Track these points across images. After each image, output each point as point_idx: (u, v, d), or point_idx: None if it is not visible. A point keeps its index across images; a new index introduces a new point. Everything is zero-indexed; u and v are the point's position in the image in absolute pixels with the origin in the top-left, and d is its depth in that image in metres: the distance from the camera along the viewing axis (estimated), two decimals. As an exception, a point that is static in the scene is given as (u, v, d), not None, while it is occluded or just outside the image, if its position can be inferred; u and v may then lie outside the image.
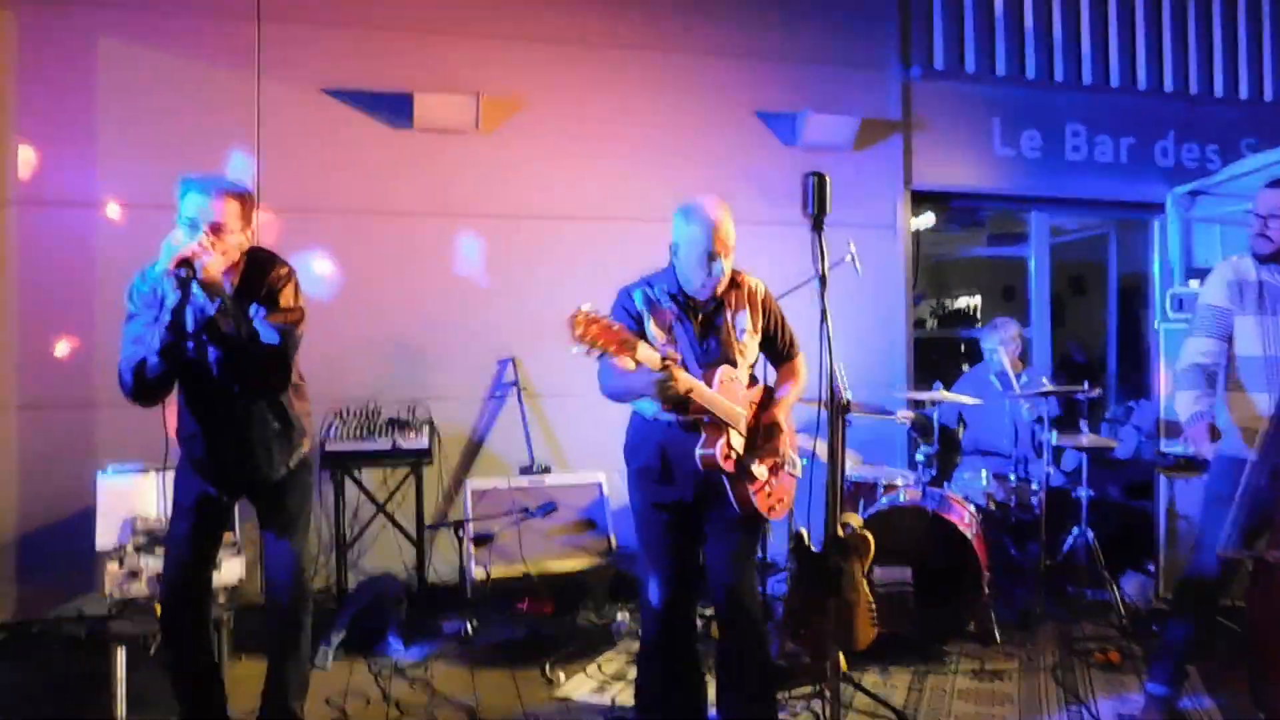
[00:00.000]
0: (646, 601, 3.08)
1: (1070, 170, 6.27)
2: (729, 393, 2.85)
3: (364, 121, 5.09)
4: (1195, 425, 3.11)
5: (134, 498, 4.17)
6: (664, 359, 2.65)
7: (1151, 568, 4.86)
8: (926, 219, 6.46)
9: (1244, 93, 6.67)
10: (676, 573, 3.00)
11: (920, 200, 6.17)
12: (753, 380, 3.06)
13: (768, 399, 3.03)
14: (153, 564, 3.81)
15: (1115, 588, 4.49)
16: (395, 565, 4.91)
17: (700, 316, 2.95)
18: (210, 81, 4.83)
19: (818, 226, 2.38)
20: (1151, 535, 4.90)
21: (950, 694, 3.65)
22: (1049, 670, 3.87)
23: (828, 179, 2.39)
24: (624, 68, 5.50)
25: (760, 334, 3.03)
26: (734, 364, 2.93)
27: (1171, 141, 6.44)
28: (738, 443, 2.85)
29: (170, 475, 4.12)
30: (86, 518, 4.14)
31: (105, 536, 4.03)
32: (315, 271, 4.93)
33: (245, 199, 2.82)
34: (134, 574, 3.76)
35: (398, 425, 4.68)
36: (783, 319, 3.13)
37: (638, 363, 2.57)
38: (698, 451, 2.81)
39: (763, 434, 2.94)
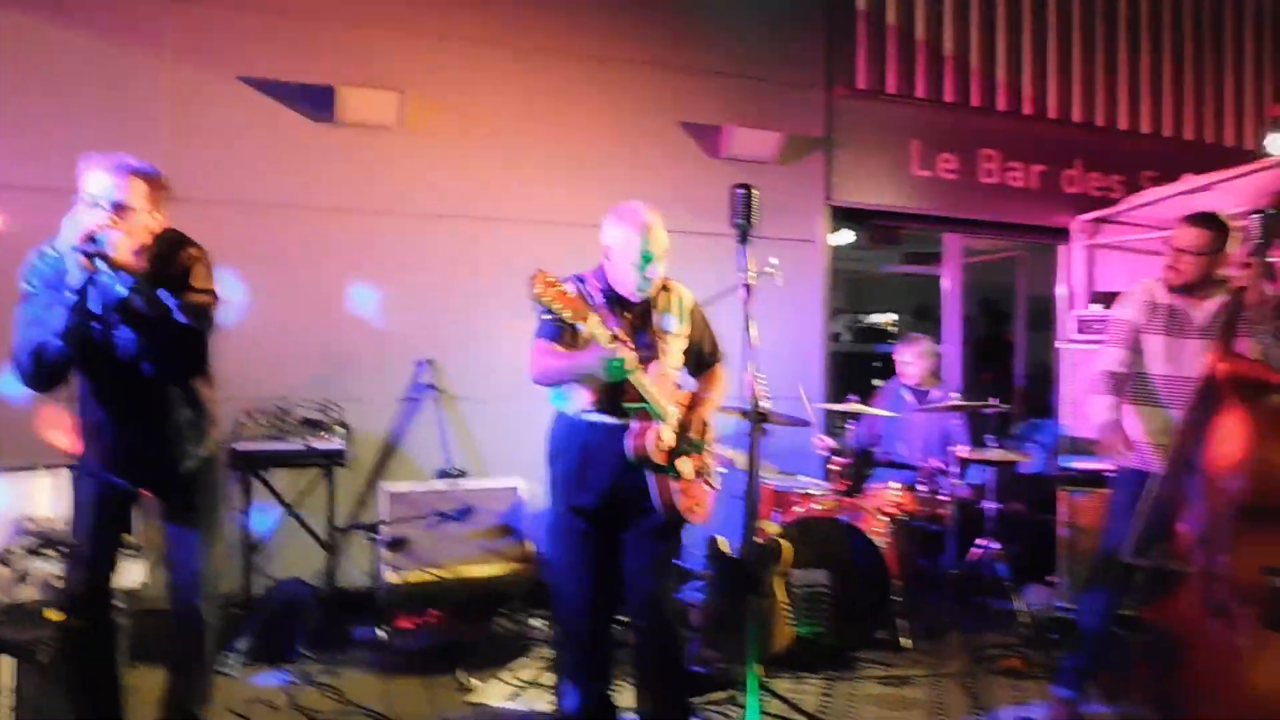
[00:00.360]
0: (563, 606, 3.07)
1: (984, 193, 6.47)
2: (663, 387, 2.88)
3: (282, 113, 4.94)
4: (1109, 431, 3.25)
5: (24, 499, 3.97)
6: (613, 334, 2.68)
7: (1053, 579, 5.03)
8: (845, 235, 6.59)
9: (1145, 127, 7.00)
10: (594, 577, 3.00)
11: (840, 216, 6.29)
12: (677, 386, 3.08)
13: (695, 401, 3.07)
14: (44, 568, 3.64)
15: (1019, 598, 4.63)
16: (304, 570, 4.77)
17: (628, 316, 2.96)
18: (115, 60, 4.63)
19: (744, 238, 2.41)
20: (1052, 550, 5.08)
21: (860, 699, 3.72)
22: (955, 677, 3.97)
23: (755, 191, 2.42)
24: (551, 73, 5.48)
25: (686, 340, 3.07)
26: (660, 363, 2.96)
27: (1079, 170, 6.71)
28: (668, 436, 2.87)
29: (64, 474, 4.01)
30: (-30, 519, 3.91)
31: (-8, 539, 3.83)
32: (225, 265, 4.76)
33: (154, 180, 2.71)
34: (23, 577, 3.58)
35: (310, 426, 4.56)
36: (708, 327, 3.19)
37: (586, 339, 2.59)
38: (630, 441, 2.82)
39: (695, 431, 2.97)
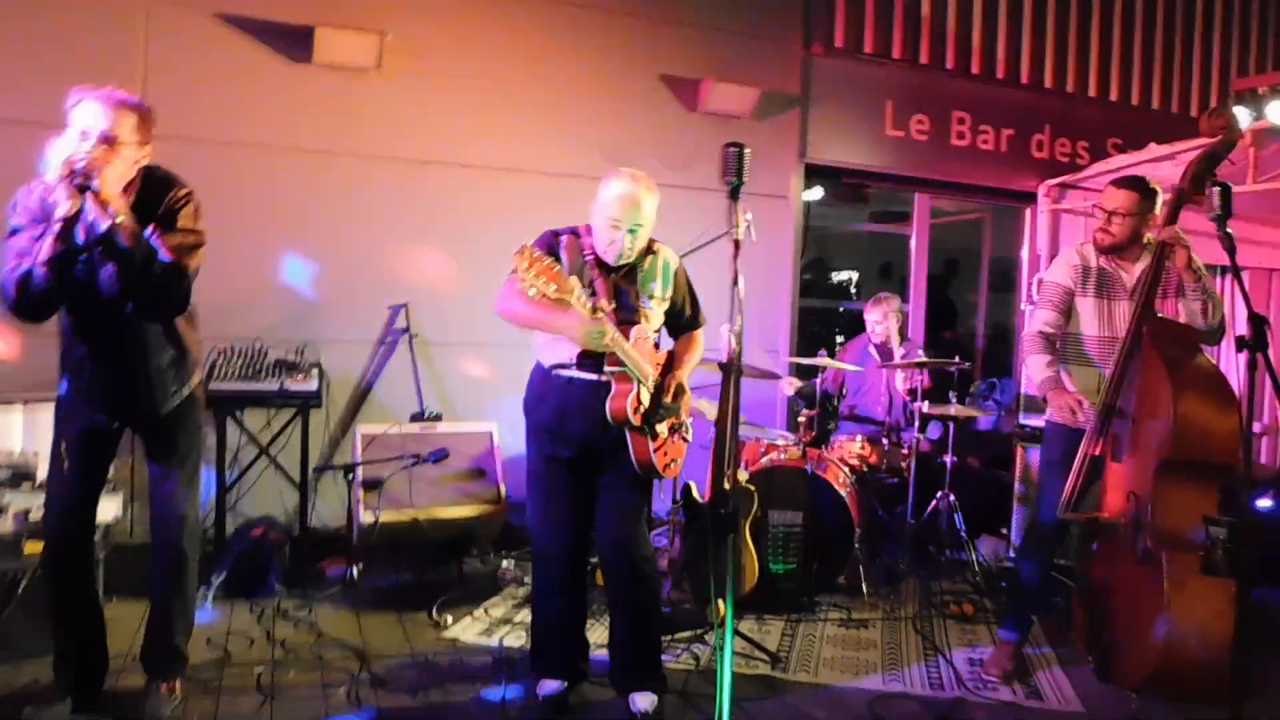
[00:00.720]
0: (539, 550, 3.17)
1: (954, 155, 6.57)
2: (641, 351, 2.96)
3: (260, 52, 4.90)
4: (1052, 386, 3.38)
5: (-3, 431, 3.98)
6: (595, 308, 2.75)
7: (1005, 531, 5.24)
8: (814, 192, 6.67)
9: (1113, 95, 7.12)
10: (570, 524, 3.09)
11: (813, 174, 6.37)
12: (655, 346, 3.16)
13: (672, 363, 3.14)
14: (18, 500, 3.66)
15: (972, 548, 4.82)
16: (276, 510, 4.83)
17: (611, 277, 3.02)
18: (92, -4, 4.56)
19: (734, 195, 2.48)
20: (1005, 503, 5.28)
21: (820, 640, 3.87)
22: (910, 620, 4.15)
23: (748, 150, 2.49)
24: (533, 20, 5.45)
25: (668, 303, 3.14)
26: (639, 326, 3.03)
27: (1047, 135, 6.82)
28: (646, 398, 2.95)
29: (37, 408, 4.02)
30: (-58, 452, 3.92)
31: (-36, 472, 3.84)
32: (201, 204, 4.73)
33: (143, 113, 2.69)
34: (-1, 510, 3.61)
35: (285, 367, 4.57)
36: (690, 291, 3.25)
37: (565, 303, 2.65)
38: (609, 404, 2.90)
39: (671, 394, 3.04)
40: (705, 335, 3.30)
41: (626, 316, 3.00)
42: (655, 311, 3.11)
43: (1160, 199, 3.41)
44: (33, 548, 3.45)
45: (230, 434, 4.60)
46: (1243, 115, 4.96)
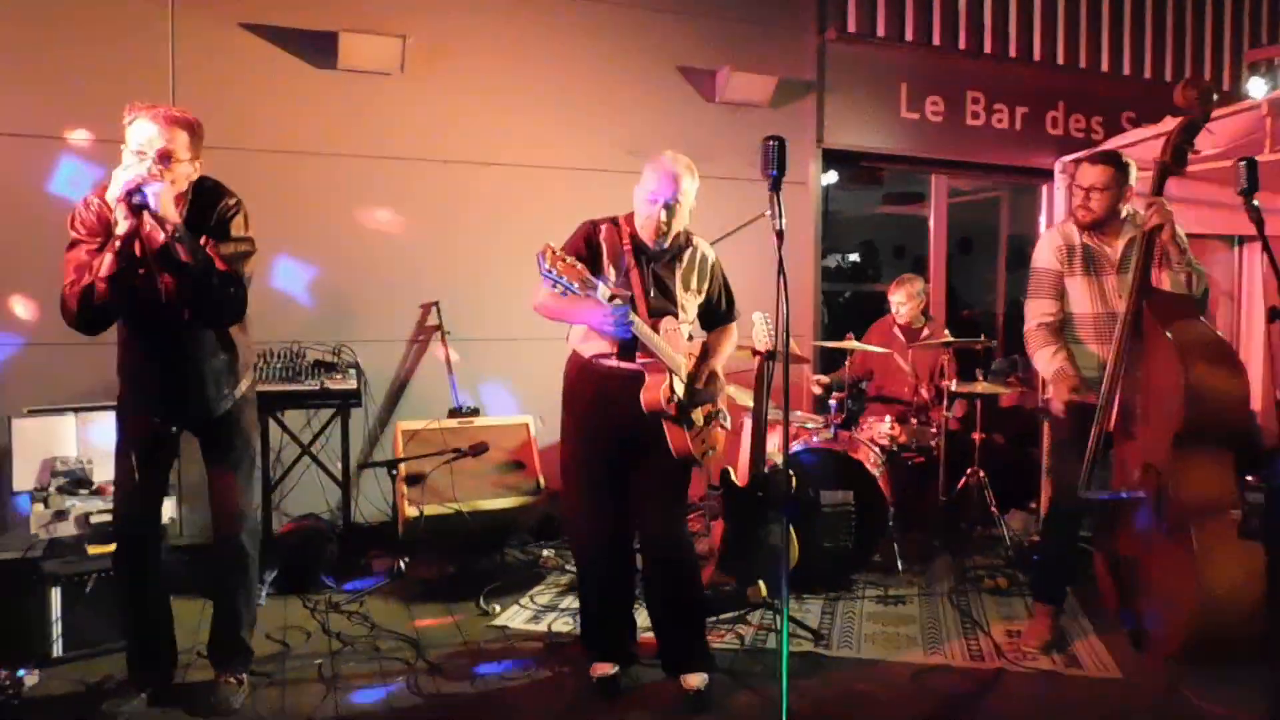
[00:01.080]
0: (582, 540, 3.26)
1: (970, 135, 6.62)
2: (672, 342, 3.03)
3: (285, 59, 5.00)
4: (1061, 378, 3.43)
5: (51, 440, 4.10)
6: (613, 295, 2.82)
7: (1033, 505, 5.31)
8: (830, 176, 6.73)
9: (1126, 69, 7.14)
10: (612, 512, 3.16)
11: (830, 159, 6.43)
12: (690, 337, 3.23)
13: (705, 353, 3.21)
14: (79, 505, 3.78)
15: (1002, 523, 4.90)
16: (319, 507, 4.94)
17: (651, 266, 3.09)
18: (121, 7, 4.66)
19: (776, 186, 2.55)
20: (1033, 478, 5.35)
21: (859, 616, 3.96)
22: (946, 595, 4.24)
23: (787, 143, 2.57)
24: (549, 17, 5.53)
25: (703, 296, 3.21)
26: (675, 317, 3.11)
27: (1061, 112, 6.86)
28: (679, 388, 3.03)
29: (88, 416, 4.14)
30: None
31: (22, 480, 3.96)
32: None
33: (195, 128, 2.79)
34: (61, 514, 3.72)
35: (324, 367, 4.68)
36: (725, 285, 3.32)
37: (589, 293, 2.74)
38: (642, 394, 2.98)
39: (704, 383, 3.12)
40: (739, 333, 3.37)
41: (662, 306, 3.07)
42: (690, 304, 3.18)
43: (1134, 172, 3.46)
44: (96, 550, 3.58)
45: (273, 434, 4.71)
46: (1257, 86, 4.99)
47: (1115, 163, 3.45)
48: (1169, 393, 3.13)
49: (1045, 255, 3.59)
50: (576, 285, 2.68)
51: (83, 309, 2.70)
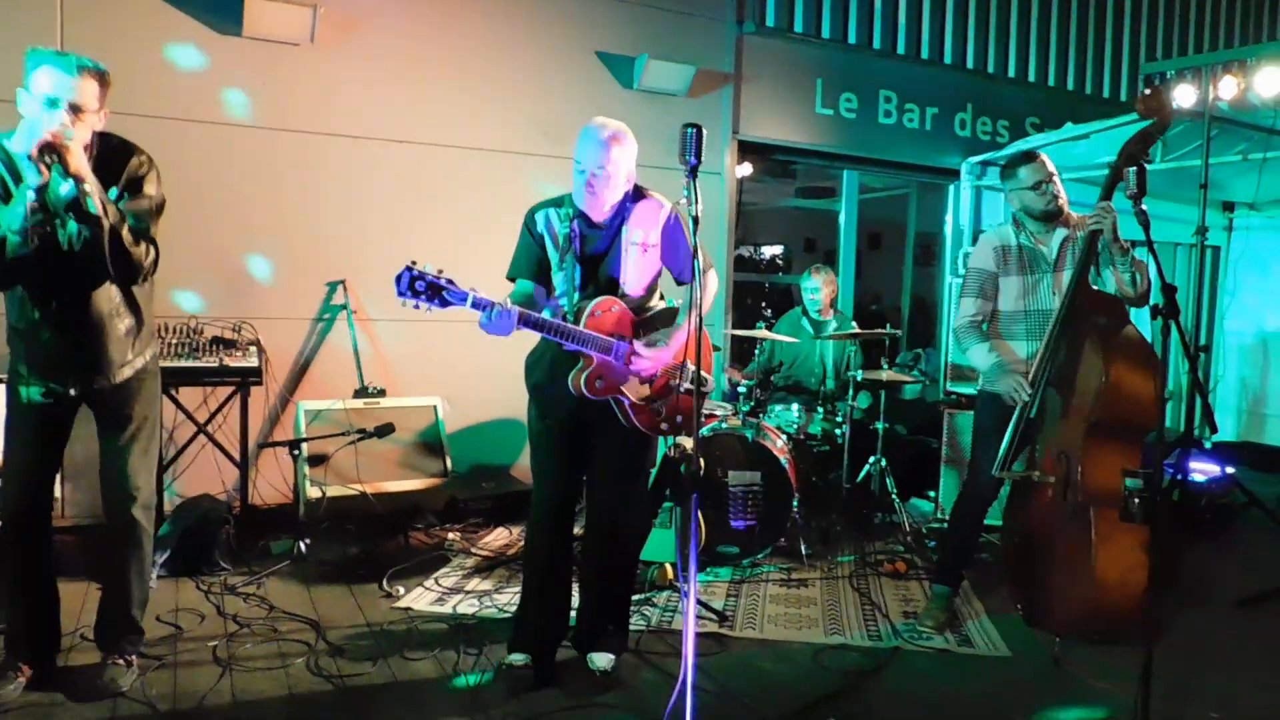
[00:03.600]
0: (533, 507, 3.20)
1: (882, 133, 6.77)
2: (601, 324, 2.94)
3: (186, 23, 4.80)
4: (1002, 371, 3.55)
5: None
6: (476, 302, 2.69)
7: (932, 494, 5.48)
8: (744, 168, 6.81)
9: (1031, 76, 7.41)
10: (560, 483, 3.14)
11: (745, 150, 6.50)
12: (661, 295, 3.16)
13: (663, 318, 3.12)
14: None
15: (903, 510, 5.04)
16: (214, 488, 4.78)
17: (585, 252, 3.01)
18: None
19: (694, 174, 2.56)
20: (932, 467, 5.52)
21: (763, 599, 4.03)
22: (847, 579, 4.34)
23: (705, 131, 2.58)
24: (468, -6, 5.46)
25: (659, 249, 3.09)
26: (615, 286, 3.02)
27: (970, 114, 7.08)
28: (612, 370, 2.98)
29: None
30: None
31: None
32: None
33: (105, 79, 2.66)
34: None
35: (223, 344, 4.53)
36: (685, 234, 3.06)
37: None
38: (570, 379, 2.95)
39: (640, 358, 3.01)
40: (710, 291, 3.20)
41: (604, 282, 3.00)
42: (639, 260, 3.05)
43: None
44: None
45: (167, 413, 4.52)
46: (1186, 93, 5.18)
47: (1040, 158, 3.62)
48: (1090, 385, 3.31)
49: (981, 256, 3.73)
50: (437, 303, 2.61)
51: None
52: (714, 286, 3.31)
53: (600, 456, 3.14)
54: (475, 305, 2.69)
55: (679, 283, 3.22)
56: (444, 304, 2.63)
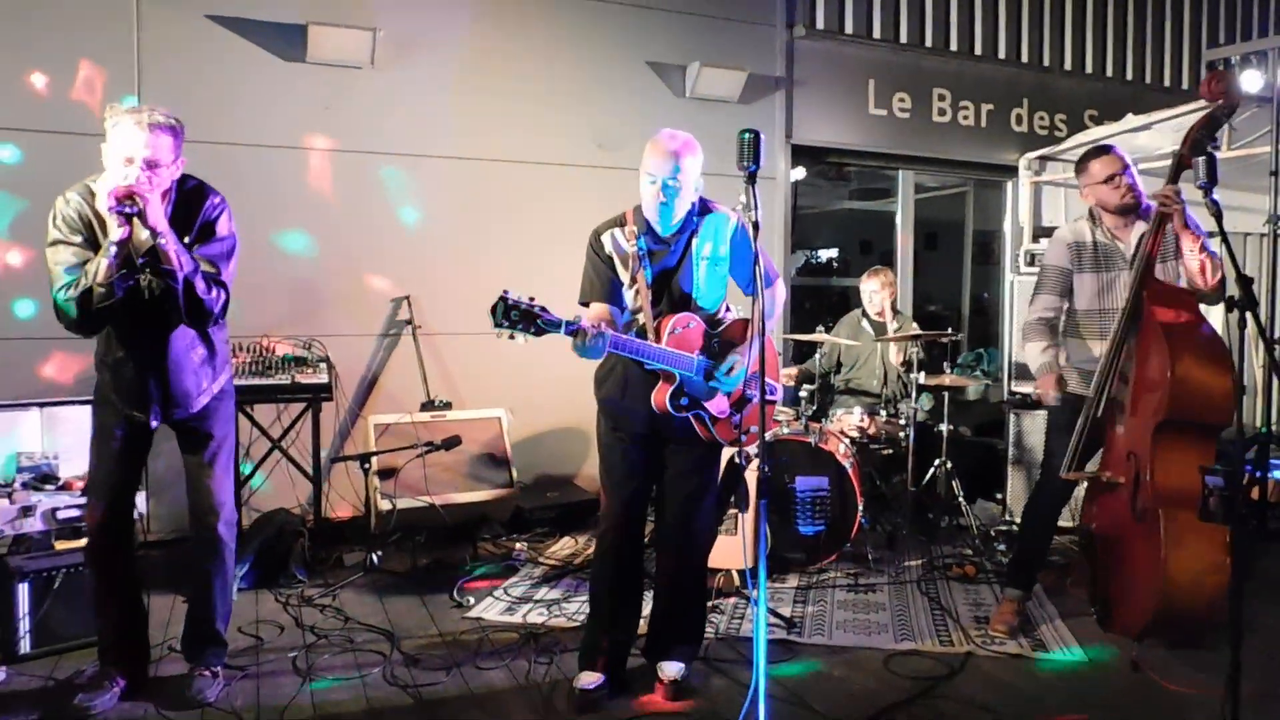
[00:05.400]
0: (603, 517, 3.21)
1: (936, 132, 6.71)
2: (679, 340, 2.95)
3: (253, 51, 4.96)
4: (1045, 375, 3.52)
5: (14, 435, 4.04)
6: (570, 328, 2.66)
7: (999, 495, 5.41)
8: (797, 172, 6.80)
9: (1089, 68, 7.28)
10: (631, 494, 3.14)
11: (798, 154, 6.49)
12: (727, 309, 3.15)
13: (734, 330, 3.10)
14: (45, 500, 3.73)
15: (970, 512, 4.98)
16: (289, 502, 4.91)
17: (658, 265, 3.01)
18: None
19: (753, 180, 2.56)
20: (998, 468, 5.44)
21: (830, 605, 4.02)
22: (915, 583, 4.30)
23: (763, 136, 2.58)
24: (519, 12, 5.54)
25: (729, 261, 3.09)
26: (688, 301, 3.02)
27: (1026, 109, 6.98)
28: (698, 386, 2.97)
29: (53, 411, 4.09)
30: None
31: (-13, 474, 3.91)
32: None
33: (178, 132, 2.78)
34: (27, 510, 3.67)
35: (295, 362, 4.66)
36: (752, 249, 2.94)
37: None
38: (652, 396, 2.96)
39: (722, 373, 3.00)
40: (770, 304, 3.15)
41: (677, 298, 3.01)
42: (710, 274, 3.05)
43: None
44: (63, 545, 3.55)
45: (242, 429, 4.66)
46: (1252, 79, 5.04)
47: (1115, 151, 3.53)
48: (1156, 383, 3.22)
49: (1055, 253, 3.65)
50: (532, 331, 2.56)
51: (83, 313, 2.71)
52: (783, 295, 3.31)
53: (672, 467, 3.15)
54: (568, 331, 2.64)
55: (747, 294, 3.17)
56: (539, 332, 2.57)
